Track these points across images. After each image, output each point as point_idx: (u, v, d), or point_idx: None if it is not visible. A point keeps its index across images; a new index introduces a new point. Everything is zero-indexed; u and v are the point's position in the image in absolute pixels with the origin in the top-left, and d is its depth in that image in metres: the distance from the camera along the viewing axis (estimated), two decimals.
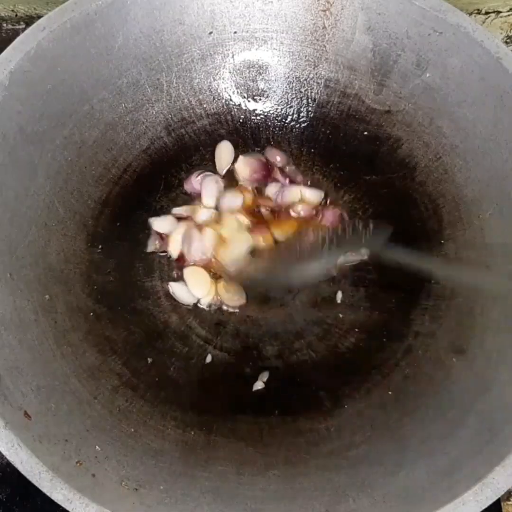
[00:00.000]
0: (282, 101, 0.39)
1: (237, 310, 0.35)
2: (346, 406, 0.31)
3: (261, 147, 0.40)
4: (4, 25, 0.47)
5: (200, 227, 0.36)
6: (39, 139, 0.31)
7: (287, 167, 0.38)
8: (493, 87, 0.31)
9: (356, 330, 0.35)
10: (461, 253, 0.33)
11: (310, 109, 0.39)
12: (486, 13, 0.43)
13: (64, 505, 0.23)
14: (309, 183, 0.38)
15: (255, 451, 0.29)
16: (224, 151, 0.38)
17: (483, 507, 0.24)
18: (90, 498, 0.24)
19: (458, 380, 0.29)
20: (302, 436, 0.30)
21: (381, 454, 0.28)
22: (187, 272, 0.35)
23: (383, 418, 0.30)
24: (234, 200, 0.36)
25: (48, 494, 0.24)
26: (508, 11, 0.44)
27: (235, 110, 0.39)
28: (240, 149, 0.40)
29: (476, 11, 0.43)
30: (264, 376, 0.33)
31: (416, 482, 0.26)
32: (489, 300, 0.31)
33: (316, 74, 0.37)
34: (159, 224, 0.36)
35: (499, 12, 0.44)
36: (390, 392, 0.31)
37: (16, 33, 0.46)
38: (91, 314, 0.32)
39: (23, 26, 0.47)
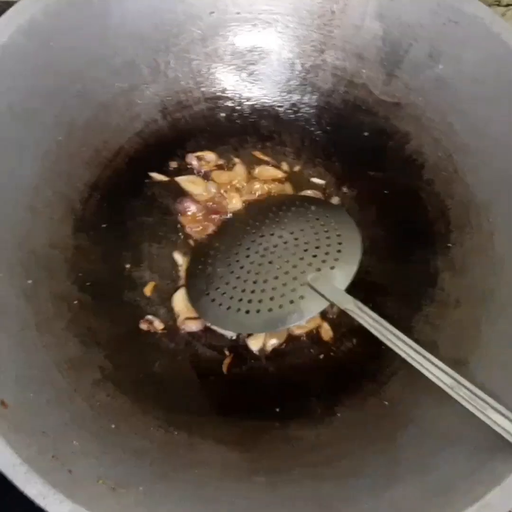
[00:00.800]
0: (285, 88, 0.39)
1: None
2: (338, 414, 0.31)
3: (260, 136, 0.40)
4: None
5: None
6: (29, 118, 0.32)
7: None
8: (510, 82, 0.31)
9: (353, 334, 0.35)
10: (468, 258, 0.33)
11: (314, 97, 0.39)
12: (507, 5, 0.43)
13: (38, 500, 0.24)
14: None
15: (240, 456, 0.29)
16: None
17: None
18: (65, 495, 0.24)
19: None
20: (290, 443, 0.30)
21: (372, 467, 0.28)
22: None
23: (376, 429, 0.30)
24: None
25: (21, 487, 0.24)
26: None
27: (235, 95, 0.39)
28: (238, 137, 0.40)
29: (496, 3, 0.43)
30: None
31: (407, 499, 0.26)
32: (495, 310, 0.31)
33: (322, 61, 0.37)
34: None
35: None
36: (385, 402, 0.31)
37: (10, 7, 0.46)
38: (75, 302, 0.32)
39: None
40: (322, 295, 0.31)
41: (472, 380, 0.27)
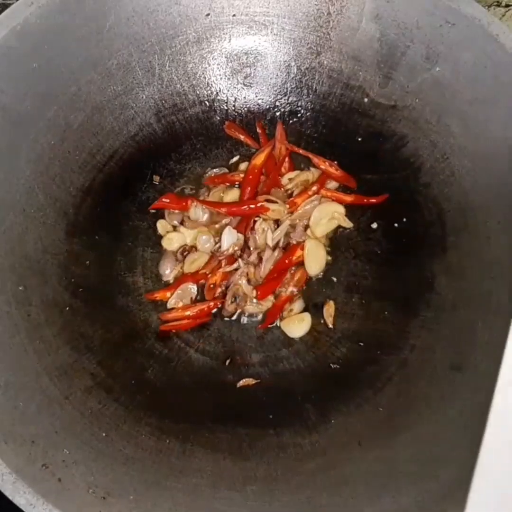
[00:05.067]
0: (280, 91, 0.39)
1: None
2: (333, 421, 0.31)
3: (256, 139, 0.40)
4: None
5: None
6: (22, 120, 0.31)
7: None
8: (507, 85, 0.31)
9: (348, 339, 0.35)
10: (464, 262, 0.33)
11: (310, 100, 0.38)
12: (507, 5, 0.43)
13: (27, 510, 0.23)
14: None
15: (233, 464, 0.29)
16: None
17: None
18: (54, 504, 0.24)
19: (454, 399, 0.29)
20: (285, 451, 0.30)
21: (368, 474, 0.28)
22: None
23: (371, 436, 0.30)
24: None
25: (10, 497, 0.24)
26: None
27: (230, 98, 0.39)
28: (233, 140, 0.40)
29: (495, 3, 0.43)
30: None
31: (403, 506, 0.26)
32: (491, 314, 0.30)
33: (318, 63, 0.37)
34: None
35: None
36: (381, 408, 0.31)
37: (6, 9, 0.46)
38: (67, 308, 0.32)
39: (15, 1, 0.48)
40: None
41: (467, 384, 0.27)
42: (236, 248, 0.36)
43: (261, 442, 0.30)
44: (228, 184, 0.39)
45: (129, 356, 0.33)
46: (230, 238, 0.36)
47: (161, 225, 0.38)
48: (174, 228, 0.38)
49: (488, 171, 0.32)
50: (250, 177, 0.37)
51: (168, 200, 0.37)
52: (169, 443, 0.29)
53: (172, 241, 0.37)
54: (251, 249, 0.36)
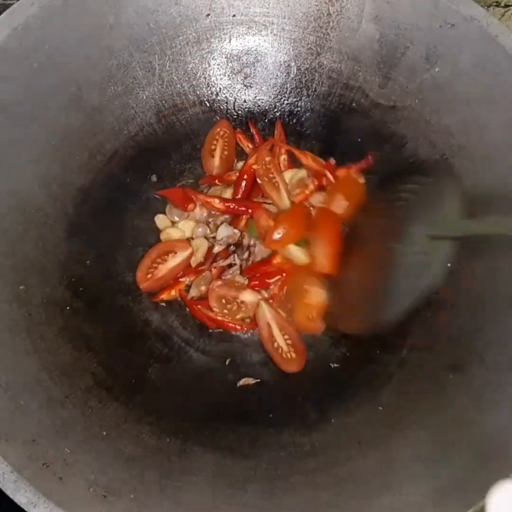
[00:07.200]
0: (280, 91, 0.39)
1: None
2: (333, 420, 0.31)
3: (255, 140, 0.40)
4: None
5: None
6: (23, 121, 0.32)
7: None
8: (507, 85, 0.31)
9: (348, 339, 0.35)
10: (464, 262, 0.33)
11: (310, 100, 0.39)
12: (506, 5, 0.43)
13: (28, 509, 0.24)
14: None
15: (234, 463, 0.29)
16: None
17: None
18: (55, 503, 0.24)
19: (454, 399, 0.29)
20: (285, 450, 0.30)
21: (367, 473, 0.28)
22: None
23: (371, 435, 0.30)
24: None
25: (11, 496, 0.24)
26: None
27: (230, 98, 0.40)
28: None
29: (495, 4, 0.43)
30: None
31: (402, 505, 0.26)
32: (491, 315, 0.30)
33: (318, 63, 0.37)
34: None
35: None
36: (380, 408, 0.31)
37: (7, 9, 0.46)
38: (68, 308, 0.32)
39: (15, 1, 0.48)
40: None
41: (467, 384, 0.27)
42: (231, 240, 0.37)
43: (261, 441, 0.30)
44: (225, 183, 0.39)
45: (129, 356, 0.33)
46: (225, 232, 0.37)
47: (160, 220, 0.38)
48: (173, 223, 0.38)
49: (487, 171, 0.33)
50: (245, 176, 0.38)
51: (176, 194, 0.37)
52: (169, 442, 0.30)
53: (170, 235, 0.38)
54: (244, 247, 0.37)
